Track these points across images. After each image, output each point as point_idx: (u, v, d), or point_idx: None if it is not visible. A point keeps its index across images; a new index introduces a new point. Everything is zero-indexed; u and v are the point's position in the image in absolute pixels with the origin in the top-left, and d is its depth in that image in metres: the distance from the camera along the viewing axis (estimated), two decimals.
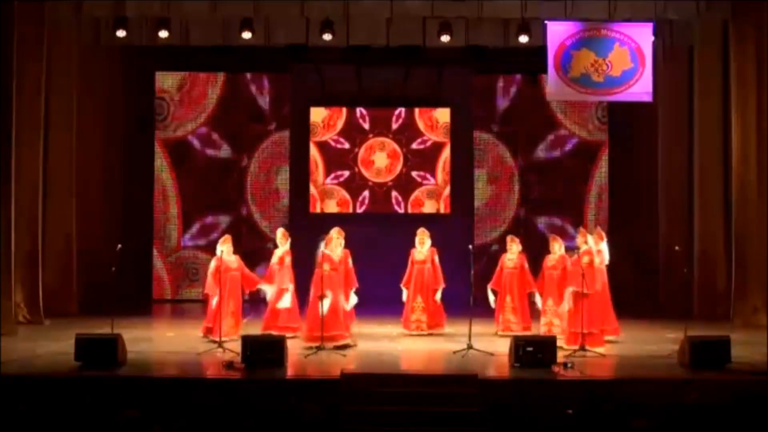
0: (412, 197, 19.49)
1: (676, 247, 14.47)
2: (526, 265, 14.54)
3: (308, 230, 14.97)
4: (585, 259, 13.07)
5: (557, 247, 14.13)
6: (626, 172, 19.24)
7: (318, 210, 19.36)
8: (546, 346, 11.73)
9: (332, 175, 19.45)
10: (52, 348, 12.84)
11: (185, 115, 19.58)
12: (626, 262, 19.09)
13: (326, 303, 12.88)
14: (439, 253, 14.76)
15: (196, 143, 19.60)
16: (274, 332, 13.36)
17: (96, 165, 17.69)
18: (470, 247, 13.52)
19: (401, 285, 14.61)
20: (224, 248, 13.96)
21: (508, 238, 15.04)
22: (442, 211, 19.44)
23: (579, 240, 13.79)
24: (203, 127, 19.60)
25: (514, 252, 14.60)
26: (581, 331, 12.57)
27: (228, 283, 13.78)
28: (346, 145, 19.46)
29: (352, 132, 19.47)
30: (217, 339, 12.86)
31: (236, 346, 12.13)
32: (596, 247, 13.65)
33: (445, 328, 14.56)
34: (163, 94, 19.58)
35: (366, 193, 19.47)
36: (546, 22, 15.75)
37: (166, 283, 19.55)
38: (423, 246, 14.68)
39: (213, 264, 13.92)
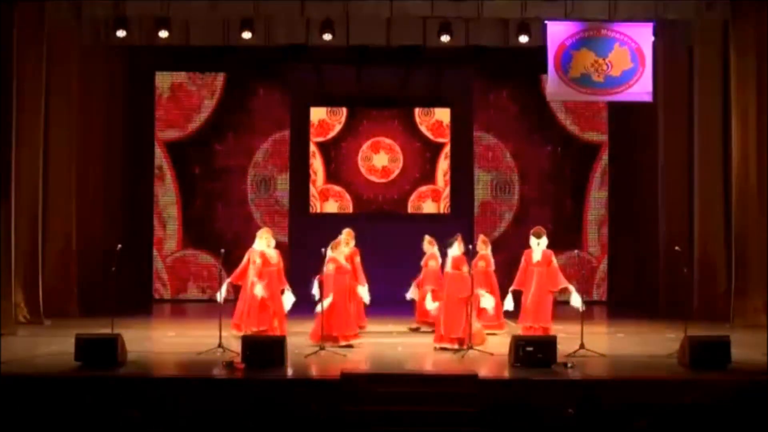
0: (412, 197, 19.50)
1: (676, 247, 14.45)
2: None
3: (308, 230, 14.97)
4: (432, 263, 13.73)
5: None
6: (626, 172, 19.24)
7: (318, 210, 19.36)
8: (546, 346, 11.73)
9: (332, 176, 19.45)
10: (52, 348, 12.83)
11: (185, 115, 19.58)
12: (626, 262, 19.14)
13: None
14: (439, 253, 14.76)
15: (196, 143, 19.59)
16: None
17: (96, 165, 17.68)
18: (470, 247, 13.52)
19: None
20: (263, 240, 13.82)
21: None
22: (442, 211, 19.44)
23: (479, 245, 14.57)
24: (203, 127, 19.60)
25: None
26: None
27: (266, 278, 13.62)
28: (346, 146, 19.46)
29: (352, 132, 19.47)
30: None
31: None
32: (481, 252, 14.46)
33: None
34: (163, 94, 19.58)
35: (366, 193, 19.47)
36: (546, 22, 15.75)
37: (166, 283, 19.55)
38: (347, 246, 14.23)
39: (246, 256, 13.72)
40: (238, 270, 13.88)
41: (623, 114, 18.92)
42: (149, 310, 18.44)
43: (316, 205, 19.43)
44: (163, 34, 15.89)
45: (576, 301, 13.23)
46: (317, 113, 19.47)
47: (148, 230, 19.46)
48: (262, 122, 19.65)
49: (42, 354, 12.53)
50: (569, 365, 11.55)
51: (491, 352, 12.55)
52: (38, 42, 15.28)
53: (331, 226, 14.16)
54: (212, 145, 19.61)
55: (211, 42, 16.62)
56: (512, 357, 11.71)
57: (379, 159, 19.50)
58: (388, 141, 19.52)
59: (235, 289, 14.51)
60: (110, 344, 11.65)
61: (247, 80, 19.65)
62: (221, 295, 13.52)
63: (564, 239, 19.38)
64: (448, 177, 19.45)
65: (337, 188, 19.47)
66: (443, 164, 19.46)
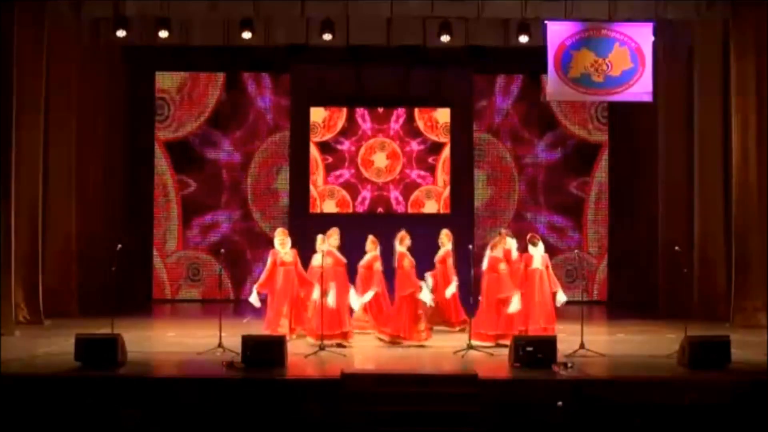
0: (412, 197, 19.49)
1: (676, 247, 14.46)
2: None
3: (308, 230, 14.94)
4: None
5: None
6: (626, 172, 19.24)
7: (318, 210, 19.36)
8: (546, 346, 11.73)
9: (332, 175, 19.46)
10: (52, 348, 12.84)
11: (185, 115, 19.58)
12: (626, 262, 19.14)
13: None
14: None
15: (196, 143, 19.60)
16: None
17: (96, 165, 17.68)
18: (470, 247, 13.52)
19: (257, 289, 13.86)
20: (278, 240, 13.73)
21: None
22: (442, 211, 19.44)
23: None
24: (203, 127, 19.61)
25: None
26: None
27: (282, 279, 13.58)
28: (346, 145, 19.47)
29: (352, 132, 19.47)
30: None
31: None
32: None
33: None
34: (163, 94, 19.59)
35: (366, 193, 19.47)
36: (546, 22, 15.75)
37: (166, 283, 19.55)
38: (286, 247, 13.82)
39: (270, 259, 13.64)
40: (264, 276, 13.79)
41: (623, 114, 18.92)
42: (149, 310, 18.43)
43: (316, 205, 19.42)
44: (163, 34, 15.89)
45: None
46: (317, 113, 19.47)
47: (148, 230, 19.46)
48: (262, 122, 19.66)
49: (42, 354, 12.53)
50: (569, 365, 11.55)
51: (491, 352, 12.56)
52: (38, 42, 15.27)
53: (331, 226, 14.13)
54: (212, 145, 19.61)
55: (211, 42, 16.63)
56: (512, 357, 11.71)
57: (379, 159, 19.50)
58: (388, 141, 19.51)
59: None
60: (110, 344, 11.64)
61: (246, 80, 19.65)
62: (255, 298, 13.59)
63: (564, 239, 19.42)
64: (448, 177, 19.45)
65: (337, 188, 19.47)
66: (443, 164, 19.45)
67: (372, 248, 14.30)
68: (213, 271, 19.18)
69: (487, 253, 13.59)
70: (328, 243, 13.61)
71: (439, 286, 14.51)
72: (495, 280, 13.41)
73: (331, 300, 13.12)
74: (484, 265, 13.58)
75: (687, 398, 10.67)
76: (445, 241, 14.84)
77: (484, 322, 13.36)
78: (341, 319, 13.31)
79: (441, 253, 14.80)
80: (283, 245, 13.77)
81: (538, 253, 13.63)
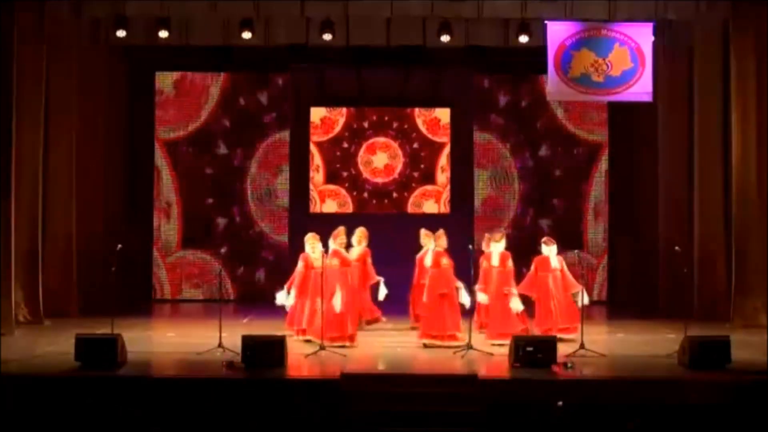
0: (412, 197, 19.49)
1: (676, 247, 14.46)
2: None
3: (308, 230, 14.92)
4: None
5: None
6: (626, 172, 19.24)
7: (318, 210, 19.36)
8: (546, 346, 11.73)
9: (332, 175, 19.45)
10: (52, 348, 12.84)
11: (185, 115, 19.58)
12: (626, 262, 19.14)
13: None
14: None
15: (196, 143, 19.60)
16: None
17: (96, 165, 17.66)
18: (470, 247, 13.52)
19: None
20: (309, 245, 13.61)
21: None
22: (442, 211, 19.43)
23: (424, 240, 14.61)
24: (203, 127, 19.60)
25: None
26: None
27: (312, 282, 13.41)
28: (346, 145, 19.46)
29: (352, 132, 19.47)
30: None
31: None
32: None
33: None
34: (163, 94, 19.59)
35: (366, 193, 19.47)
36: (546, 22, 15.76)
37: (166, 283, 19.55)
38: (316, 251, 13.57)
39: (300, 263, 13.59)
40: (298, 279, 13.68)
41: (623, 114, 18.92)
42: (149, 310, 18.43)
43: (316, 205, 19.42)
44: (163, 34, 15.90)
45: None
46: (317, 113, 19.47)
47: (148, 230, 19.46)
48: (262, 122, 19.65)
49: (42, 354, 12.52)
50: (569, 365, 11.55)
51: (491, 352, 12.56)
52: (38, 42, 15.27)
53: (331, 225, 14.13)
54: (212, 145, 19.61)
55: (211, 42, 16.65)
56: (512, 357, 11.71)
57: (379, 159, 19.50)
58: (388, 141, 19.51)
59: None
60: (110, 344, 11.64)
61: (246, 80, 19.65)
62: (287, 299, 13.55)
63: (564, 239, 19.39)
64: (448, 177, 19.45)
65: (337, 188, 19.46)
66: (443, 164, 19.46)
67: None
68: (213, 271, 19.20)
69: (555, 252, 13.84)
70: (437, 244, 13.62)
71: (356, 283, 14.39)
72: (565, 278, 13.80)
73: (465, 299, 13.17)
74: (554, 263, 13.81)
75: (687, 398, 10.67)
76: (362, 239, 14.75)
77: (566, 318, 13.60)
78: (445, 322, 13.25)
79: (360, 251, 14.71)
80: (313, 250, 13.62)
81: (497, 250, 13.81)
